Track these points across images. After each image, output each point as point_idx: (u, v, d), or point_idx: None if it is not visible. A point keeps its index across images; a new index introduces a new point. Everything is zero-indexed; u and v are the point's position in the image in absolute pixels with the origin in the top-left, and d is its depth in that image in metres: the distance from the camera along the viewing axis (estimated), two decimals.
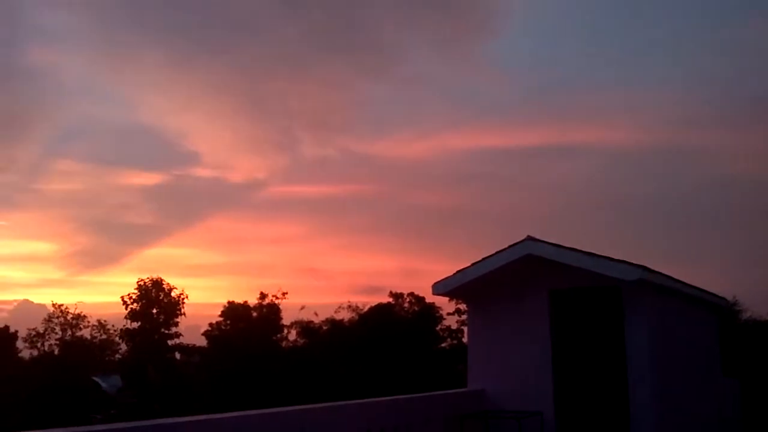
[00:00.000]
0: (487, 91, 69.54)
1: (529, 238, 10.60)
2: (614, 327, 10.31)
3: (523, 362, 10.95)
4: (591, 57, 63.78)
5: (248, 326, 54.29)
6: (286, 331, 57.30)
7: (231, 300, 56.43)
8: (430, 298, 55.09)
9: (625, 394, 10.04)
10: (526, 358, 10.94)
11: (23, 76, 69.69)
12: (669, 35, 55.46)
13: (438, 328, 57.50)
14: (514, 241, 10.74)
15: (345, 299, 69.27)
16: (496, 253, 10.79)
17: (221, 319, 55.92)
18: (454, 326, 57.26)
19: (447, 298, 41.13)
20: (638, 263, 9.85)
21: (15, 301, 77.10)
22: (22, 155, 75.12)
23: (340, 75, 70.05)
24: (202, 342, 56.31)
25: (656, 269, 10.33)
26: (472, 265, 10.96)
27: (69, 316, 56.95)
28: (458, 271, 11.10)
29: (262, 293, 55.83)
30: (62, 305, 57.10)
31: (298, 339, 57.60)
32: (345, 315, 57.36)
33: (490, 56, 66.69)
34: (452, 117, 76.00)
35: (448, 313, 56.51)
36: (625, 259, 9.94)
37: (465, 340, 50.66)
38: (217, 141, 78.17)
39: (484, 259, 10.87)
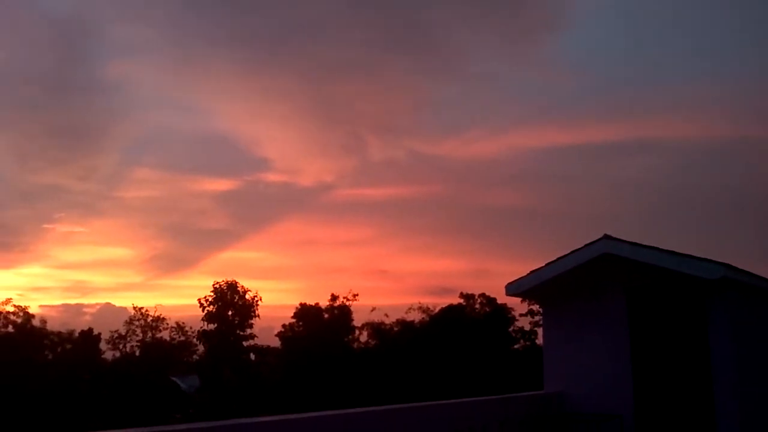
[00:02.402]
0: (554, 88, 68.52)
1: (606, 237, 10.36)
2: (696, 327, 9.98)
3: (601, 364, 10.71)
4: (662, 49, 62.08)
5: (320, 328, 54.94)
6: (357, 332, 57.78)
7: (303, 302, 57.31)
8: (501, 298, 54.66)
9: (709, 396, 9.70)
10: (603, 360, 10.70)
11: (102, 88, 72.56)
12: (747, 24, 53.42)
13: (510, 330, 56.92)
14: (588, 240, 10.52)
15: (415, 300, 69.47)
16: (572, 252, 10.59)
17: (294, 320, 56.81)
18: (527, 327, 56.63)
19: (519, 299, 40.70)
20: (720, 261, 9.51)
21: (97, 304, 79.92)
22: (102, 165, 78.15)
23: (406, 76, 70.23)
24: (276, 343, 57.37)
25: (739, 267, 9.95)
26: (547, 265, 10.78)
27: (149, 319, 58.85)
28: (532, 272, 10.94)
29: (333, 295, 56.50)
30: (142, 308, 59.07)
31: (370, 340, 57.95)
32: (416, 316, 57.46)
33: (557, 52, 65.70)
34: (520, 115, 75.23)
35: (521, 314, 55.94)
36: (706, 257, 9.61)
37: (539, 341, 49.98)
38: (286, 146, 79.56)
39: (558, 258, 10.68)
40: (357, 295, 56.51)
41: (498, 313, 55.91)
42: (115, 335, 57.93)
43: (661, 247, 10.01)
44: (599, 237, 10.42)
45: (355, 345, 57.54)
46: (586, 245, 10.47)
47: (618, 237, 10.39)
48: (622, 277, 10.65)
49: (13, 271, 71.01)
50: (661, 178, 64.55)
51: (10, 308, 53.74)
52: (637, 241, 10.21)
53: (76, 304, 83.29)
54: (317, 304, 56.79)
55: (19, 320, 53.92)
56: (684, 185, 62.52)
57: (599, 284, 10.91)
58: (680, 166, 64.12)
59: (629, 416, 10.17)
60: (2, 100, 71.11)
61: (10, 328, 53.62)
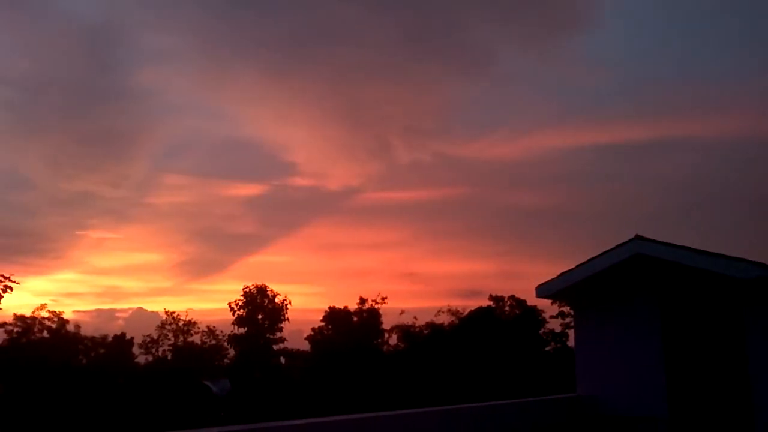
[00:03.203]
0: (582, 87, 67.93)
1: (638, 237, 10.21)
2: (732, 328, 9.80)
3: (634, 366, 10.56)
4: (692, 45, 61.21)
5: (349, 331, 55.00)
6: (386, 335, 57.77)
7: (332, 305, 57.44)
8: (531, 300, 54.26)
9: (747, 397, 9.51)
10: (637, 362, 10.55)
11: (131, 96, 73.59)
12: None
13: (541, 332, 56.48)
14: (619, 241, 10.37)
15: (444, 303, 69.17)
16: (603, 253, 10.45)
17: (323, 324, 56.96)
18: (558, 329, 56.14)
19: (549, 301, 40.25)
20: (756, 261, 9.32)
21: (130, 309, 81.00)
22: (133, 172, 79.22)
23: (432, 78, 70.18)
24: (306, 346, 57.56)
25: None
26: (577, 266, 10.65)
27: (180, 323, 59.47)
28: (562, 273, 10.81)
29: (361, 298, 56.52)
30: (174, 312, 59.70)
31: (399, 343, 57.88)
32: (445, 319, 57.27)
33: (584, 50, 65.10)
34: (547, 115, 74.80)
35: (552, 316, 55.50)
36: (741, 257, 9.43)
37: (570, 343, 49.50)
38: (313, 150, 79.89)
39: (589, 260, 10.55)
40: (386, 298, 56.53)
41: (528, 315, 55.52)
42: (148, 339, 58.68)
43: (694, 247, 9.85)
44: (630, 237, 10.28)
45: (385, 348, 57.51)
46: (617, 246, 10.34)
47: (650, 237, 10.24)
48: (655, 278, 10.50)
49: (48, 277, 72.21)
50: (693, 177, 63.57)
51: (44, 314, 54.72)
52: (670, 242, 10.06)
53: (109, 309, 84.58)
54: (346, 307, 56.93)
55: (53, 325, 54.84)
56: (716, 184, 61.51)
57: (631, 285, 10.77)
58: (712, 165, 63.15)
59: (663, 419, 10.01)
60: (35, 108, 72.47)
61: (45, 333, 54.54)
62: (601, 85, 66.03)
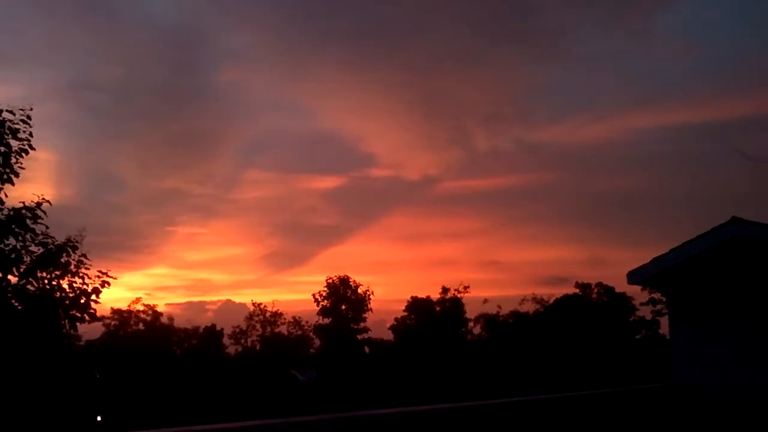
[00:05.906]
0: (668, 66, 65.60)
1: (735, 219, 9.68)
2: None
3: (734, 354, 10.04)
4: None
5: (432, 320, 54.94)
6: (470, 324, 57.44)
7: (414, 295, 57.50)
8: (619, 287, 52.84)
9: None
10: (737, 348, 10.02)
11: (213, 95, 75.73)
12: None
13: (631, 319, 55.00)
14: (712, 225, 9.85)
15: (528, 291, 68.22)
16: (698, 237, 9.94)
17: (406, 313, 57.11)
18: (649, 317, 54.54)
19: (638, 288, 38.99)
20: None
21: (219, 301, 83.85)
22: (218, 169, 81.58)
23: (510, 63, 69.13)
24: (389, 336, 57.88)
25: None
26: (671, 251, 10.17)
27: (267, 314, 60.81)
28: (656, 258, 10.34)
29: (444, 287, 56.35)
30: (261, 304, 61.10)
31: (483, 332, 57.46)
32: (529, 307, 56.52)
33: (669, 28, 62.63)
34: (632, 95, 72.53)
35: (642, 303, 53.96)
36: None
37: (662, 331, 47.98)
38: (391, 141, 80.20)
39: (684, 244, 10.05)
40: (468, 287, 56.21)
41: (617, 302, 54.14)
42: (237, 330, 60.31)
43: None
44: (727, 220, 9.76)
45: (468, 337, 57.22)
46: (714, 229, 9.82)
47: (747, 219, 9.70)
48: (755, 261, 9.94)
49: (142, 272, 75.33)
50: None
51: (140, 307, 57.06)
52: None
53: (199, 302, 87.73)
54: (428, 297, 56.90)
55: (148, 318, 57.13)
56: None
57: (729, 269, 10.23)
58: None
59: (766, 407, 9.50)
60: (124, 111, 75.59)
61: (141, 326, 56.87)
62: (686, 63, 63.48)
